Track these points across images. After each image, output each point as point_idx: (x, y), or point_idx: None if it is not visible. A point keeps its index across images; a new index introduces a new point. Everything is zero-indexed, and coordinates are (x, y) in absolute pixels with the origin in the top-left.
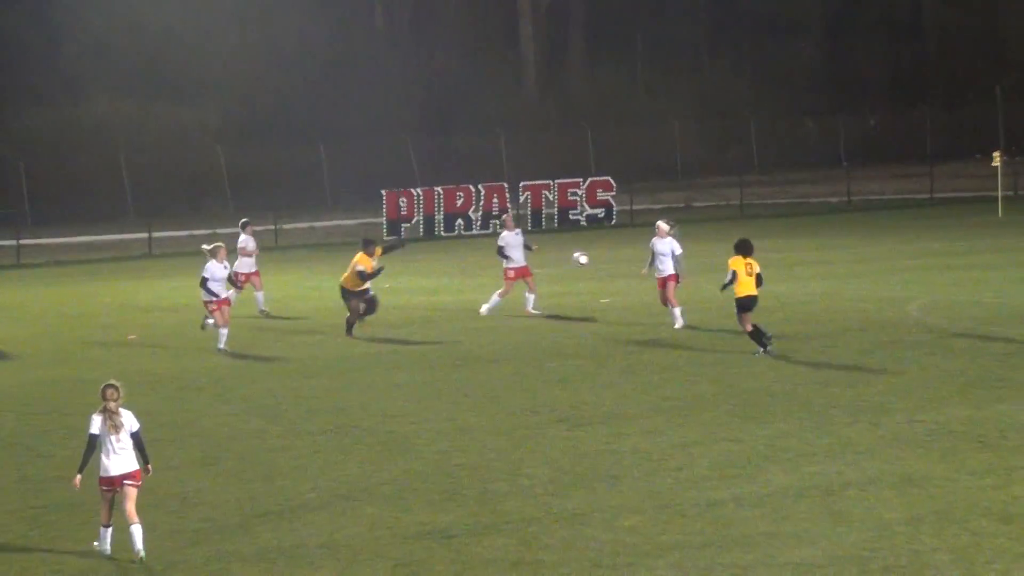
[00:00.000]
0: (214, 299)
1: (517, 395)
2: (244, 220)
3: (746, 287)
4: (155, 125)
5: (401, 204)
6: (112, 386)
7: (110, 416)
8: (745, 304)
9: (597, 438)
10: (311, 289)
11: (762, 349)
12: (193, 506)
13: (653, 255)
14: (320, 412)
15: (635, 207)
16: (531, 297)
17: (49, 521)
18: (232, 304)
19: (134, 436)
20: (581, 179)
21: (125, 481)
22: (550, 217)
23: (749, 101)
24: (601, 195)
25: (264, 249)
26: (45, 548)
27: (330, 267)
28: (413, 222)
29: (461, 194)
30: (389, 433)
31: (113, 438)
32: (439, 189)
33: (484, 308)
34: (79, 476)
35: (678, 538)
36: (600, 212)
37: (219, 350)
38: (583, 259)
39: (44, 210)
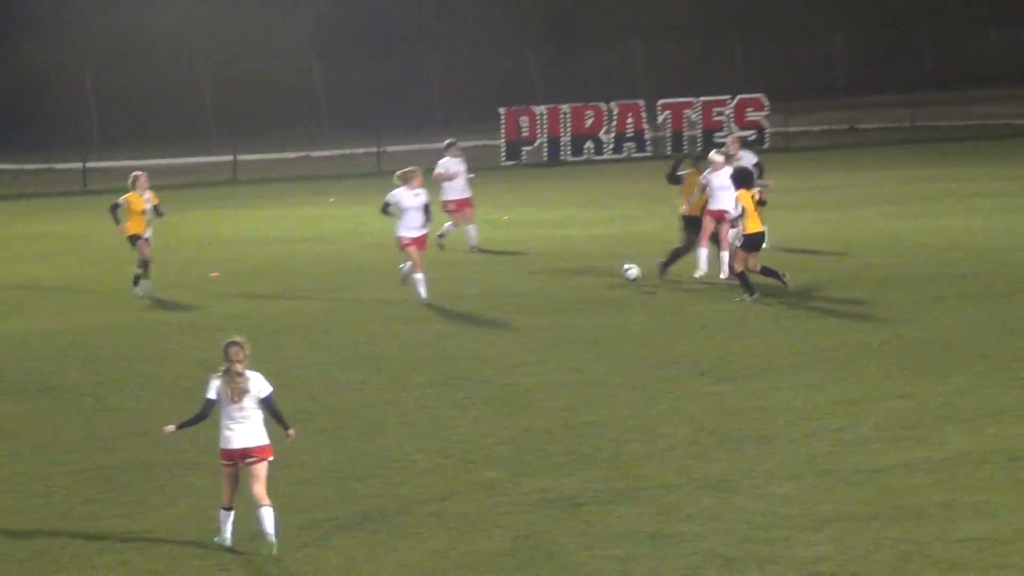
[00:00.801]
0: (408, 236)
1: (653, 343)
2: (449, 140)
3: (756, 223)
4: (240, 33)
5: (522, 124)
6: (236, 343)
7: (232, 379)
8: (756, 241)
9: (745, 393)
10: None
11: (750, 296)
12: (283, 468)
13: (708, 189)
14: (428, 362)
15: (791, 129)
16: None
17: (121, 483)
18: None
19: (265, 402)
20: (728, 97)
21: (247, 458)
22: (693, 140)
23: (921, 9)
24: (751, 115)
25: (365, 175)
26: (117, 513)
27: (434, 194)
28: (535, 145)
29: (590, 113)
30: (507, 386)
31: (234, 406)
32: (565, 107)
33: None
34: (173, 428)
35: (839, 508)
36: (750, 134)
37: (423, 302)
38: (632, 272)
39: (113, 129)
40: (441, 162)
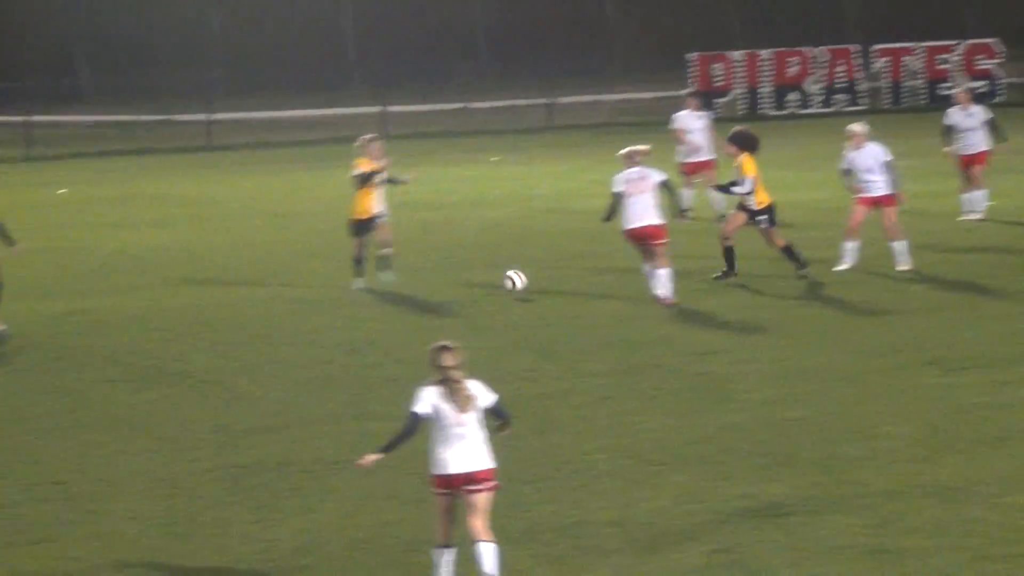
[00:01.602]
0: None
1: (869, 328)
2: (690, 90)
3: (765, 194)
4: None
5: (715, 73)
6: (447, 348)
7: (452, 390)
8: (771, 214)
9: (979, 387)
10: (594, 184)
11: (804, 268)
12: None
13: (851, 173)
14: (608, 347)
15: None
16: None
17: (253, 485)
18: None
19: (493, 411)
20: (955, 41)
21: (468, 485)
22: (914, 92)
23: None
24: (981, 63)
25: (533, 130)
26: (248, 519)
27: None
28: (731, 96)
29: (795, 60)
30: (700, 376)
31: (452, 421)
32: (765, 53)
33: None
34: (376, 457)
35: None
36: (981, 86)
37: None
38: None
39: (243, 76)
40: (677, 116)
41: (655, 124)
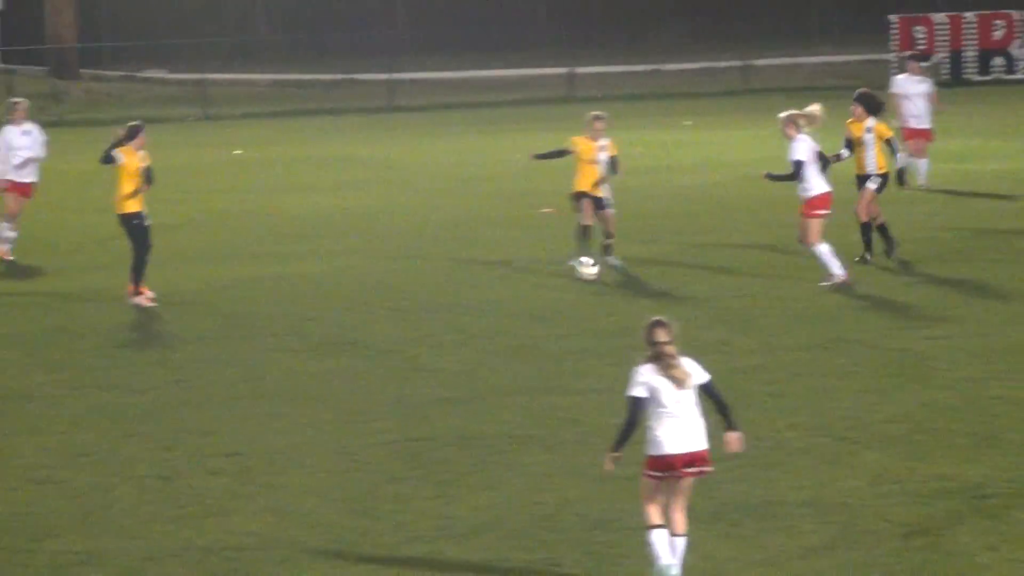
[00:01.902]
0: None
1: None
2: (911, 53)
3: (884, 159)
4: None
5: (917, 35)
6: (661, 323)
7: (666, 368)
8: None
9: None
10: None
11: (867, 256)
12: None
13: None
14: (803, 320)
15: None
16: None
17: (434, 459)
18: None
19: (706, 390)
20: None
21: (688, 467)
22: None
23: None
24: None
25: (727, 93)
26: (429, 495)
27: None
28: (933, 60)
29: (1000, 23)
30: (897, 352)
31: (670, 400)
32: (969, 15)
33: None
34: (614, 455)
35: None
36: None
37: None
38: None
39: (426, 35)
40: (897, 80)
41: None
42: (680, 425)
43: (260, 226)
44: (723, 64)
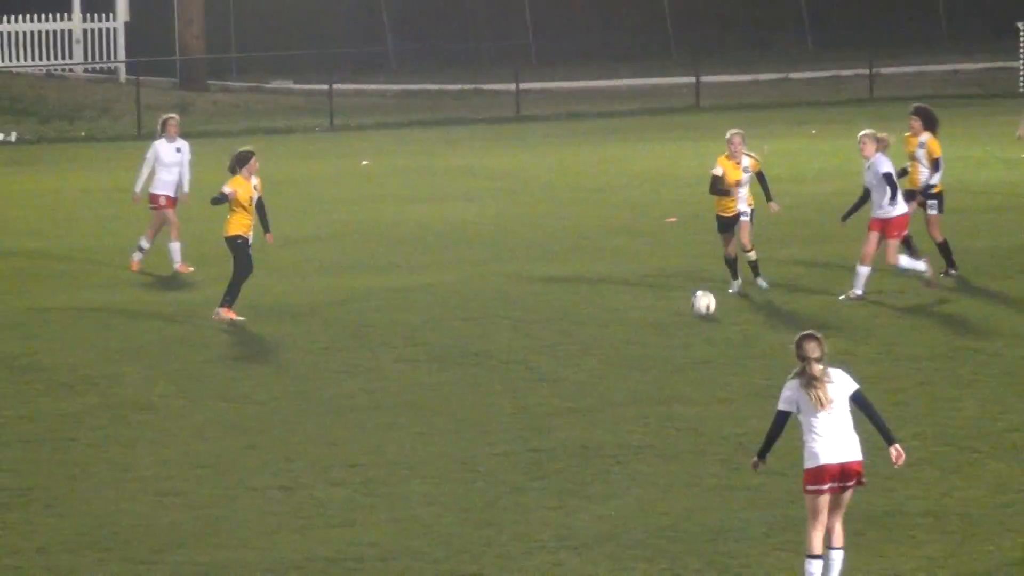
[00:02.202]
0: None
1: None
2: None
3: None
4: None
5: None
6: (812, 337)
7: (812, 383)
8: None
9: None
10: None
11: (951, 271)
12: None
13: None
14: (927, 328)
15: None
16: None
17: (555, 469)
18: None
19: (856, 400)
20: None
21: (842, 480)
22: None
23: None
24: None
25: (854, 101)
26: (549, 505)
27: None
28: None
29: None
30: (1022, 360)
31: (820, 415)
32: None
33: None
34: (758, 460)
35: None
36: None
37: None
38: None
39: (553, 45)
40: None
41: (982, 97)
42: (831, 437)
43: (385, 237)
44: (849, 72)
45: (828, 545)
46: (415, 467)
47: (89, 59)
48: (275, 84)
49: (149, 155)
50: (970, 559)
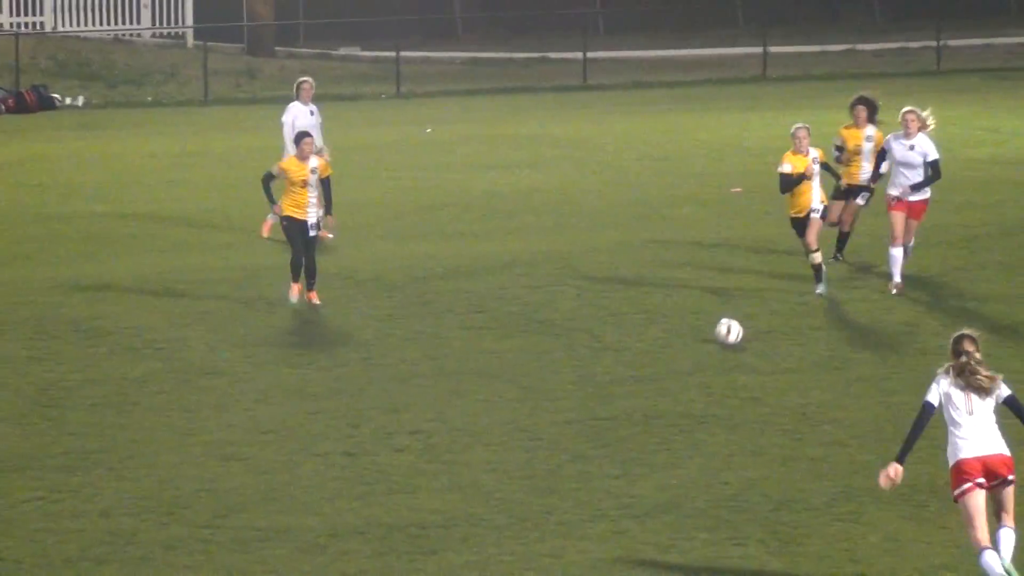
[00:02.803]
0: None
1: None
2: None
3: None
4: None
5: None
6: (969, 338)
7: (968, 380)
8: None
9: None
10: (985, 132)
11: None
12: (815, 424)
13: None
14: (994, 300)
15: None
16: None
17: (618, 438)
18: None
19: (1010, 404)
20: None
21: (987, 476)
22: None
23: None
24: None
25: (920, 73)
26: (612, 474)
27: (1011, 100)
28: None
29: None
30: None
31: (963, 412)
32: None
33: None
34: (897, 467)
35: None
36: None
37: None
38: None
39: (620, 14)
40: None
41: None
42: (976, 432)
43: (451, 204)
44: (917, 44)
45: (1001, 525)
46: (478, 434)
47: (157, 24)
48: (343, 51)
49: (286, 118)
50: None
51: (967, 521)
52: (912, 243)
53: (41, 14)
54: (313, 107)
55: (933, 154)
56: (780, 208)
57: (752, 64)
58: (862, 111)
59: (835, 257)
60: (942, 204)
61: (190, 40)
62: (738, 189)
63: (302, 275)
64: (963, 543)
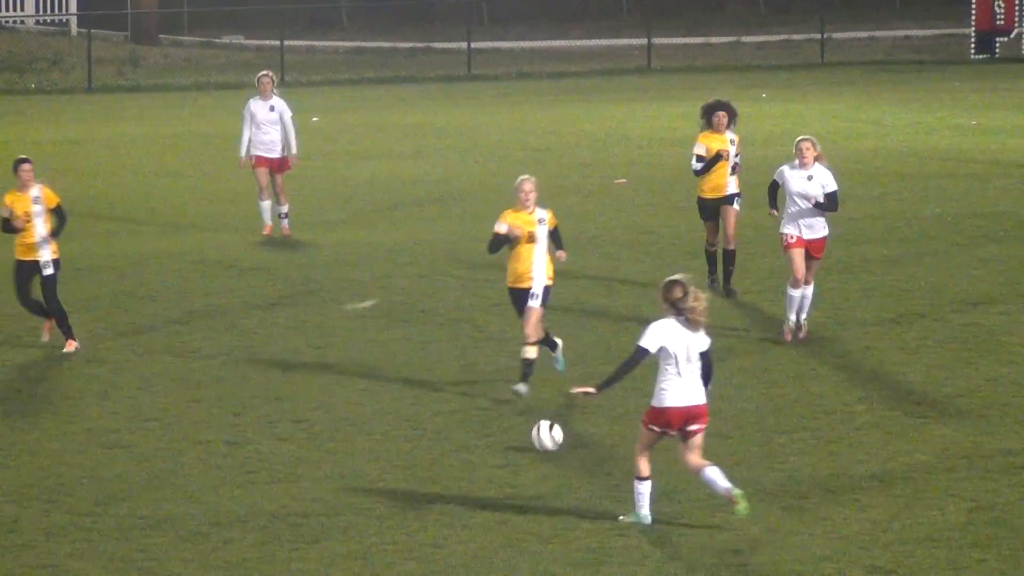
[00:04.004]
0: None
1: None
2: None
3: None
4: None
5: (997, 9)
6: (679, 283)
7: (689, 320)
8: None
9: None
10: (867, 124)
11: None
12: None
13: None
14: (874, 293)
15: None
16: None
17: (502, 428)
18: None
19: (703, 357)
20: None
21: (690, 424)
22: None
23: None
24: None
25: (804, 66)
26: (495, 464)
27: (893, 93)
28: (1012, 35)
29: None
30: (968, 327)
31: (680, 359)
32: None
33: None
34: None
35: None
36: None
37: None
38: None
39: (505, 4)
40: None
41: (933, 63)
42: (680, 382)
43: (334, 193)
44: (802, 37)
45: (696, 470)
46: (361, 424)
47: (40, 11)
48: (227, 39)
49: (245, 114)
50: (914, 523)
51: (640, 451)
52: (812, 288)
53: None
54: (275, 102)
55: (832, 185)
56: (663, 199)
57: (636, 56)
58: (723, 117)
59: (713, 283)
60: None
61: (74, 28)
62: (622, 180)
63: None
64: (845, 534)
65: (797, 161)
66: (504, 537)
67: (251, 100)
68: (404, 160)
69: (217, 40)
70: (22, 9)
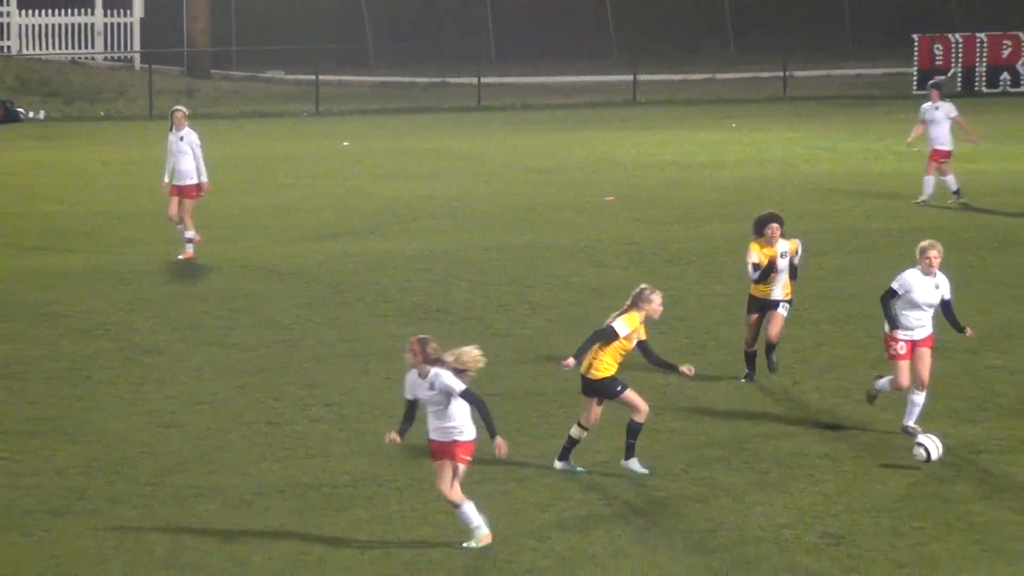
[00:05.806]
0: None
1: None
2: (933, 81)
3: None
4: None
5: (936, 52)
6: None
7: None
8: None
9: None
10: (823, 151)
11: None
12: (675, 402)
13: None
14: (828, 296)
15: None
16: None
17: (504, 411)
18: None
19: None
20: None
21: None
22: None
23: None
24: None
25: (769, 100)
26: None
27: (846, 124)
28: (949, 74)
29: (1008, 43)
30: None
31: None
32: (982, 36)
33: None
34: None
35: None
36: None
37: None
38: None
39: (510, 44)
40: (922, 107)
41: (881, 98)
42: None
43: (362, 207)
44: (767, 74)
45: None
46: (384, 407)
47: (109, 49)
48: (269, 74)
49: (167, 146)
50: (861, 494)
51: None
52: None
53: (8, 39)
54: (184, 132)
55: (948, 293)
56: (646, 214)
57: (623, 90)
58: (776, 230)
59: (748, 377)
60: (784, 212)
61: (137, 63)
62: (611, 198)
63: None
64: (801, 505)
65: (920, 267)
66: (506, 506)
67: (168, 135)
68: (422, 179)
69: (261, 75)
70: (93, 47)
